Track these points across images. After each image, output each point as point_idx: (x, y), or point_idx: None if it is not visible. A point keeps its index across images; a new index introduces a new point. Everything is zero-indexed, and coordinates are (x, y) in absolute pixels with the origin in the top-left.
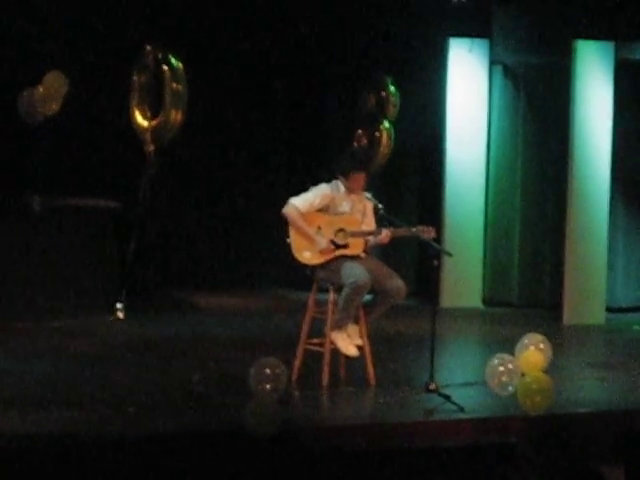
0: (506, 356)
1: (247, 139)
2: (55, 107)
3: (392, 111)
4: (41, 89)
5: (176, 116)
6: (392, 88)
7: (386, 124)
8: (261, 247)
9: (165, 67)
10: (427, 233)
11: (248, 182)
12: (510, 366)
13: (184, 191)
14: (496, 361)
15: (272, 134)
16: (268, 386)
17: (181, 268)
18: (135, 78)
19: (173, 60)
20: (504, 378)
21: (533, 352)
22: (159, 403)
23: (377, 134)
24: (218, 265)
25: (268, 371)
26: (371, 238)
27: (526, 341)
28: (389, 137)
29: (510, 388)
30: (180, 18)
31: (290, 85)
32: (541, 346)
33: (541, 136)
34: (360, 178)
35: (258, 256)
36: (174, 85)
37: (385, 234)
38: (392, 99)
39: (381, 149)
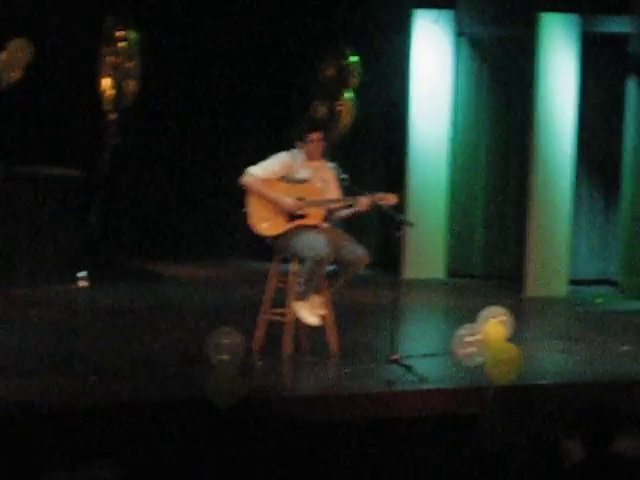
0: (474, 326)
1: (210, 110)
2: (17, 75)
3: (353, 81)
4: (4, 55)
5: (129, 87)
6: (353, 58)
7: (347, 94)
8: (225, 217)
9: (121, 44)
10: (387, 200)
11: (213, 152)
12: (478, 336)
13: (149, 161)
14: (463, 331)
15: (234, 105)
16: (226, 356)
17: (146, 238)
18: (103, 48)
19: (130, 34)
20: (472, 348)
21: (494, 324)
22: (121, 372)
23: (338, 104)
24: (182, 235)
25: (226, 341)
26: (347, 210)
27: (487, 313)
28: (350, 107)
29: (477, 359)
30: None
31: (251, 55)
32: (502, 318)
33: (505, 108)
34: (317, 140)
35: (222, 226)
36: (127, 64)
37: (365, 201)
38: (353, 69)
39: (342, 119)
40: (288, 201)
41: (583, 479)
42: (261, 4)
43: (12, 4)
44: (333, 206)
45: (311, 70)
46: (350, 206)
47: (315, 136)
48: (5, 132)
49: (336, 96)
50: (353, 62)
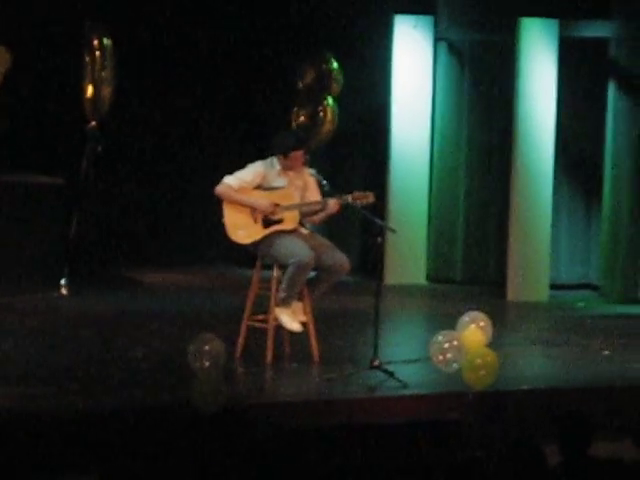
0: (451, 332)
1: (189, 116)
2: None
3: (335, 88)
4: None
5: (106, 93)
6: (334, 64)
7: (329, 101)
8: (205, 224)
9: (97, 52)
10: (363, 199)
11: (191, 159)
12: (455, 342)
13: (127, 168)
14: (440, 337)
15: (212, 111)
16: (207, 363)
17: (125, 245)
18: (85, 55)
19: (105, 41)
20: (449, 354)
21: (474, 330)
22: (102, 380)
23: (319, 110)
24: (162, 242)
25: (207, 347)
26: (321, 214)
27: (467, 319)
28: (332, 114)
29: (455, 365)
30: None
31: (228, 61)
32: (481, 324)
33: (485, 113)
34: (299, 156)
35: (203, 233)
36: (102, 73)
37: (334, 203)
38: (335, 75)
39: (324, 127)
40: (262, 202)
41: None
42: (240, 10)
43: None
44: (306, 209)
45: (291, 75)
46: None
47: (297, 154)
48: None
49: (317, 102)
50: (334, 68)
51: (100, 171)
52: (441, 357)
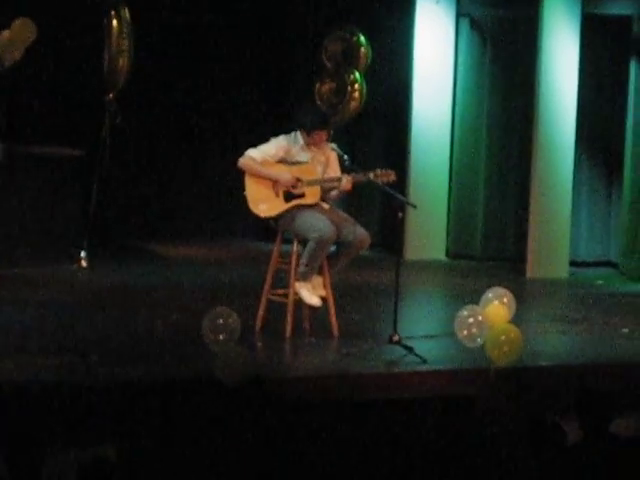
0: (476, 307)
1: (211, 89)
2: (18, 55)
3: (363, 63)
4: (7, 34)
5: (123, 64)
6: (362, 38)
7: (357, 76)
8: (228, 197)
9: (114, 22)
10: (385, 177)
11: (214, 132)
12: (480, 318)
13: (149, 140)
14: (465, 312)
15: (236, 84)
16: (221, 336)
17: (147, 218)
18: (105, 27)
19: (122, 12)
20: (473, 330)
21: (497, 306)
22: (122, 351)
23: (346, 85)
24: (183, 215)
25: (221, 321)
26: (334, 191)
27: (490, 295)
28: (360, 90)
29: (479, 340)
30: None
31: (253, 35)
32: (505, 300)
33: (507, 89)
34: (321, 135)
35: (224, 206)
36: (119, 41)
37: (346, 180)
38: (363, 50)
39: (351, 103)
40: (285, 176)
41: (580, 460)
42: None
43: None
44: (328, 185)
45: (316, 49)
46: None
47: (322, 134)
48: (5, 112)
49: (344, 78)
50: (362, 42)
51: (120, 143)
52: (465, 332)
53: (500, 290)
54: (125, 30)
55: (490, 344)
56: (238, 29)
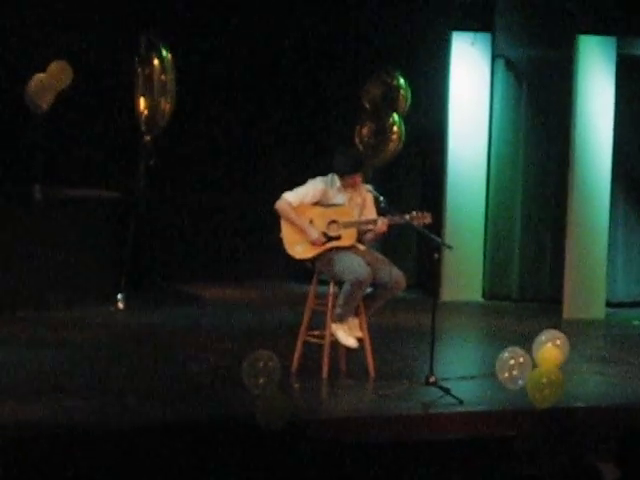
0: (517, 349)
1: (250, 130)
2: (51, 98)
3: (403, 105)
4: (44, 78)
5: (165, 106)
6: (402, 81)
7: (396, 118)
8: (263, 239)
9: (155, 59)
10: (421, 219)
11: (251, 173)
12: (521, 360)
13: (185, 182)
14: (507, 354)
15: (275, 126)
16: (261, 379)
17: (183, 259)
18: (138, 68)
19: (164, 51)
20: (515, 372)
21: (550, 348)
22: (159, 393)
23: (386, 127)
24: (220, 257)
25: (261, 364)
26: (370, 233)
27: (543, 337)
28: (399, 132)
29: (520, 382)
30: (180, 7)
31: (293, 77)
32: (558, 342)
33: (543, 130)
34: (356, 178)
35: (260, 248)
36: (162, 77)
37: (382, 222)
38: (403, 92)
39: (390, 144)
40: (313, 233)
41: None
42: (305, 27)
43: (48, 24)
44: (364, 227)
45: (355, 91)
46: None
47: (357, 177)
48: (45, 154)
49: (383, 119)
50: (401, 84)
51: (156, 185)
52: (507, 374)
53: (553, 332)
54: (167, 73)
55: (531, 386)
56: (278, 70)
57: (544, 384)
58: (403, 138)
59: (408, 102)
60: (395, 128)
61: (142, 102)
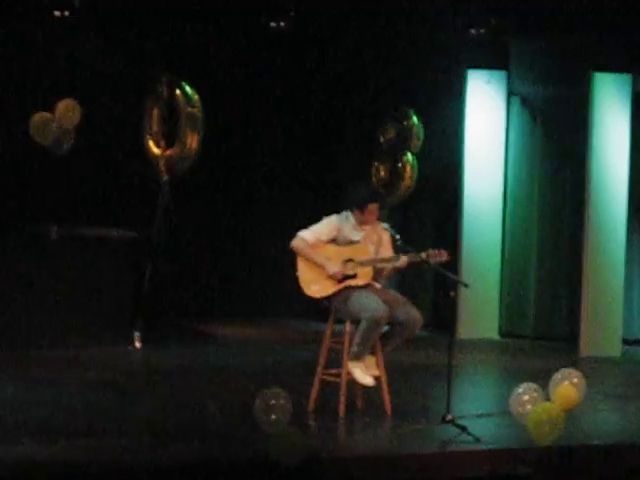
0: (531, 384)
1: (264, 168)
2: (71, 137)
3: (415, 143)
4: (51, 117)
5: (192, 142)
6: (415, 119)
7: (409, 156)
8: (279, 277)
9: (178, 92)
10: (438, 257)
11: (265, 213)
12: (535, 394)
13: (200, 221)
14: (521, 390)
15: (290, 167)
16: (273, 417)
17: (199, 298)
18: (148, 107)
19: (187, 87)
20: (529, 406)
21: (567, 387)
22: (175, 433)
23: (399, 166)
24: (235, 295)
25: (273, 402)
26: (389, 265)
27: (559, 376)
28: (412, 170)
29: None
30: (196, 51)
31: (308, 118)
32: (575, 380)
33: (558, 168)
34: (374, 210)
35: (275, 287)
36: (189, 109)
37: (402, 260)
38: (415, 131)
39: (403, 182)
40: (332, 268)
41: None
42: (321, 67)
43: (64, 66)
44: (380, 265)
45: (371, 133)
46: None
47: (372, 207)
48: (61, 193)
49: (397, 158)
50: (415, 123)
51: (172, 225)
52: (520, 409)
53: (570, 371)
54: (197, 104)
55: (532, 423)
56: (293, 108)
57: (544, 421)
58: (415, 177)
59: (420, 141)
60: (408, 167)
61: (153, 142)
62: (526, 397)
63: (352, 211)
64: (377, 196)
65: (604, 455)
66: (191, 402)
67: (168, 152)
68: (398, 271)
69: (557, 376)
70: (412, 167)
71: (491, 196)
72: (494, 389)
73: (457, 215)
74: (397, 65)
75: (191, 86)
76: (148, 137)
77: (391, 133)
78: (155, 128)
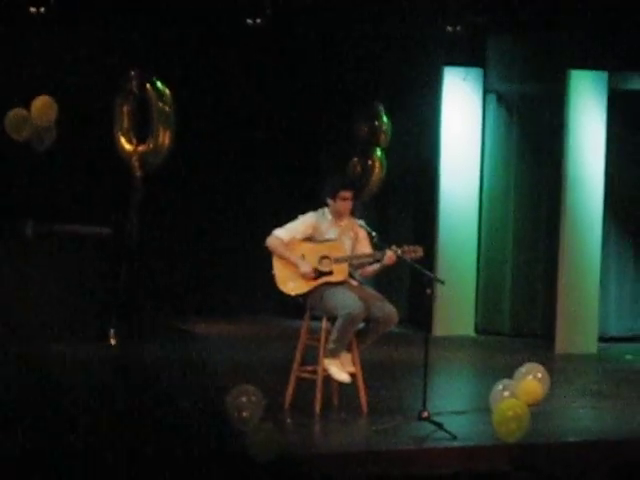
0: (511, 381)
1: (238, 167)
2: (52, 134)
3: (384, 139)
4: (27, 114)
5: (164, 138)
6: (384, 117)
7: (378, 152)
8: (255, 274)
9: (150, 89)
10: (413, 253)
11: (243, 209)
12: (515, 391)
13: (178, 217)
14: (500, 386)
15: (264, 164)
16: (244, 414)
17: (174, 295)
18: (119, 104)
19: (159, 83)
20: None
21: (531, 381)
22: (150, 429)
23: (369, 162)
24: (211, 292)
25: (244, 399)
26: (376, 265)
27: (524, 370)
28: (381, 165)
29: None
30: (169, 46)
31: (282, 115)
32: (539, 375)
33: (534, 164)
34: (346, 196)
35: (252, 283)
36: (160, 105)
37: (390, 255)
38: (384, 127)
39: (373, 177)
40: (304, 267)
41: None
42: (294, 64)
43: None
44: (356, 262)
45: (343, 128)
46: (378, 261)
47: (346, 194)
48: (37, 190)
49: (368, 154)
50: (384, 121)
51: (148, 221)
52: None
53: (534, 366)
54: (168, 101)
55: (497, 420)
56: (266, 108)
57: (509, 418)
58: (384, 171)
59: (389, 137)
60: (376, 162)
61: (125, 138)
62: (506, 393)
63: (328, 205)
64: (348, 183)
65: (581, 452)
66: (166, 399)
67: (140, 148)
68: (387, 268)
69: (521, 370)
70: (381, 162)
71: (467, 193)
72: (470, 386)
73: (433, 212)
74: (374, 62)
75: (162, 82)
76: (119, 134)
77: (363, 130)
78: (126, 124)
